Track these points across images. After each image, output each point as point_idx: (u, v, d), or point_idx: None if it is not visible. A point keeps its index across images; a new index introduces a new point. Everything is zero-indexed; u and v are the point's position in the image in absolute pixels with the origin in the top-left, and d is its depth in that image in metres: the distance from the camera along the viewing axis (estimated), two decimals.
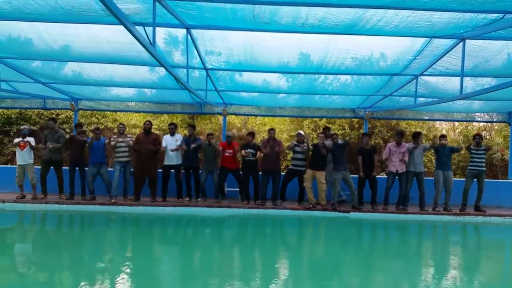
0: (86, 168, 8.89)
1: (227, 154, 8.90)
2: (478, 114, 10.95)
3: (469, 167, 9.03)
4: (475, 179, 8.90)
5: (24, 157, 8.71)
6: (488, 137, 15.49)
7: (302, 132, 9.15)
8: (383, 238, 7.64)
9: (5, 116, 13.54)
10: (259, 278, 4.62)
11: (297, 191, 8.97)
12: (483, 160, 8.92)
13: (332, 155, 8.68)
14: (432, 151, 10.07)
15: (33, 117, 13.58)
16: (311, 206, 8.69)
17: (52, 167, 8.85)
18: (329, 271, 5.12)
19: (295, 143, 8.88)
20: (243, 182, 8.98)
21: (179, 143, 8.81)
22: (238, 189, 9.19)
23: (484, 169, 8.96)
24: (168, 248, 6.28)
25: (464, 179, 9.15)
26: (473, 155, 8.90)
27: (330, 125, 14.05)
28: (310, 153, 8.78)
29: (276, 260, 5.61)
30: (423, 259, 6.14)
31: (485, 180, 8.98)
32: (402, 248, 6.78)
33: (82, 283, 4.28)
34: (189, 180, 9.09)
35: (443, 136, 9.06)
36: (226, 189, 9.29)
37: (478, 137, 9.10)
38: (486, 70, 6.86)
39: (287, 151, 8.80)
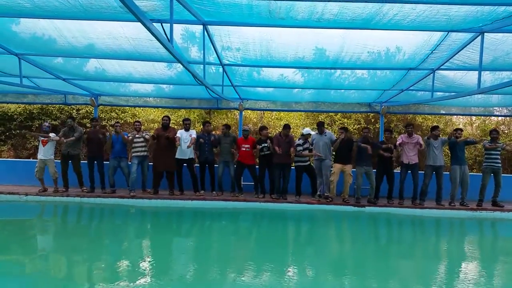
0: (106, 162, 9.18)
1: (244, 148, 9.00)
2: (496, 108, 10.74)
3: (485, 163, 8.87)
4: (492, 175, 8.79)
5: (45, 151, 8.99)
6: (506, 131, 15.19)
7: (308, 131, 9.13)
8: (398, 233, 7.62)
9: (27, 112, 13.89)
10: (277, 272, 4.70)
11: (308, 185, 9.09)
12: (499, 156, 8.82)
13: (357, 150, 8.81)
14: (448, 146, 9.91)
15: (54, 112, 13.87)
16: (331, 199, 8.76)
17: (70, 161, 9.11)
18: (343, 266, 5.18)
19: (301, 142, 8.86)
20: (260, 175, 9.08)
21: (194, 136, 8.97)
22: (253, 183, 9.28)
23: (501, 165, 8.83)
24: (187, 240, 6.41)
25: (480, 173, 9.05)
26: (490, 151, 8.78)
27: (345, 120, 14.04)
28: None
29: (295, 253, 5.69)
30: (440, 255, 6.12)
31: (503, 175, 8.87)
32: (417, 243, 6.77)
33: (102, 272, 4.43)
34: (203, 173, 9.23)
35: (458, 130, 8.95)
36: (242, 183, 9.38)
37: (495, 133, 8.91)
38: (505, 63, 6.74)
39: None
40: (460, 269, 5.21)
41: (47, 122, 9.71)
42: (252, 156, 9.11)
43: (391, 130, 9.41)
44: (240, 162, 9.07)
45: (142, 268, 4.63)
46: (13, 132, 13.83)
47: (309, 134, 9.01)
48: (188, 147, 8.82)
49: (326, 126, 13.81)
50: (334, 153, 9.10)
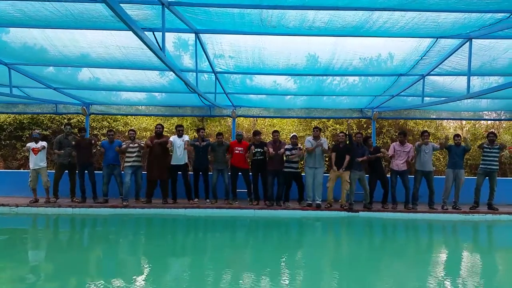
0: (96, 172, 9.11)
1: (237, 151, 8.99)
2: (485, 112, 10.90)
3: (481, 165, 8.97)
4: (487, 177, 8.88)
5: (37, 161, 8.87)
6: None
7: (296, 135, 9.23)
8: (392, 237, 7.64)
9: (17, 121, 13.74)
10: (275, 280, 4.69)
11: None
12: (496, 158, 8.88)
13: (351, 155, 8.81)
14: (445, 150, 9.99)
15: (45, 122, 13.75)
16: (329, 206, 8.83)
17: (67, 171, 9.02)
18: (341, 270, 5.19)
19: (290, 146, 8.91)
20: (253, 182, 9.08)
21: (187, 139, 8.98)
22: (246, 191, 9.27)
23: (497, 168, 8.90)
24: (181, 251, 6.38)
25: (474, 177, 9.14)
26: (486, 153, 8.87)
27: (337, 126, 14.10)
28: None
29: (291, 261, 5.68)
30: (431, 258, 6.15)
31: (502, 178, 8.95)
32: (411, 247, 6.79)
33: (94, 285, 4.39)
34: (197, 181, 9.19)
35: (457, 136, 9.04)
36: (236, 190, 9.36)
37: (492, 135, 8.99)
38: (493, 69, 6.87)
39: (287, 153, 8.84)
40: (453, 273, 5.24)
41: (37, 130, 9.57)
42: (245, 159, 9.10)
43: (369, 137, 9.58)
44: (234, 167, 9.05)
45: (134, 282, 4.59)
46: (3, 142, 13.67)
47: (292, 137, 9.04)
48: (185, 149, 8.85)
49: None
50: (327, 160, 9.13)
